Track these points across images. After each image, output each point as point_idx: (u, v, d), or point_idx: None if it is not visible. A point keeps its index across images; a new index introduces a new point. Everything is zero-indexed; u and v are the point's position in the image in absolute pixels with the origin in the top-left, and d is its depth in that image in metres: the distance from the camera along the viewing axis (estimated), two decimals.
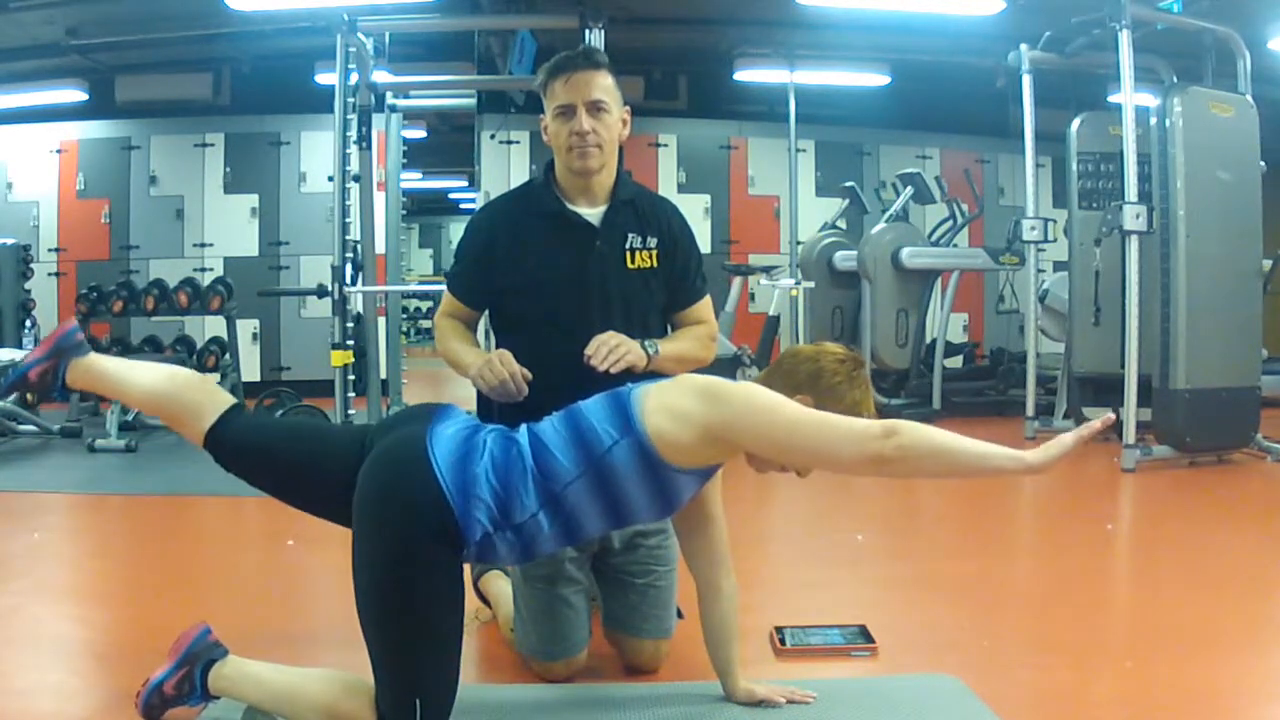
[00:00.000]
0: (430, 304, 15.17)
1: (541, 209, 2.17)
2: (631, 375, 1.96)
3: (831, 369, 1.76)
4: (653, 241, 2.18)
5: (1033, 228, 5.84)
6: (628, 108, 2.20)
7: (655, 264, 2.18)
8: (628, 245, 2.15)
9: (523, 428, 1.81)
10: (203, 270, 7.35)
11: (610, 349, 1.96)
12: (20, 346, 6.06)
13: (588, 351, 1.96)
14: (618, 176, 2.19)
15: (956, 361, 7.40)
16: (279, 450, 1.88)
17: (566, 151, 2.11)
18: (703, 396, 1.69)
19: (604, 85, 2.10)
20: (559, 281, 2.12)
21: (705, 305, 2.28)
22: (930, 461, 1.58)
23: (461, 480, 1.70)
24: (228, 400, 1.89)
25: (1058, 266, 6.68)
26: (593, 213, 2.16)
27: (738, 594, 1.98)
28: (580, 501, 1.72)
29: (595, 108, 2.09)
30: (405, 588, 1.69)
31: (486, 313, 2.27)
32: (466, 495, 1.69)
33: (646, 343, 2.05)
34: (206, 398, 1.88)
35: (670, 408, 1.71)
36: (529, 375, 1.99)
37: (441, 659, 1.74)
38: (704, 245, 7.91)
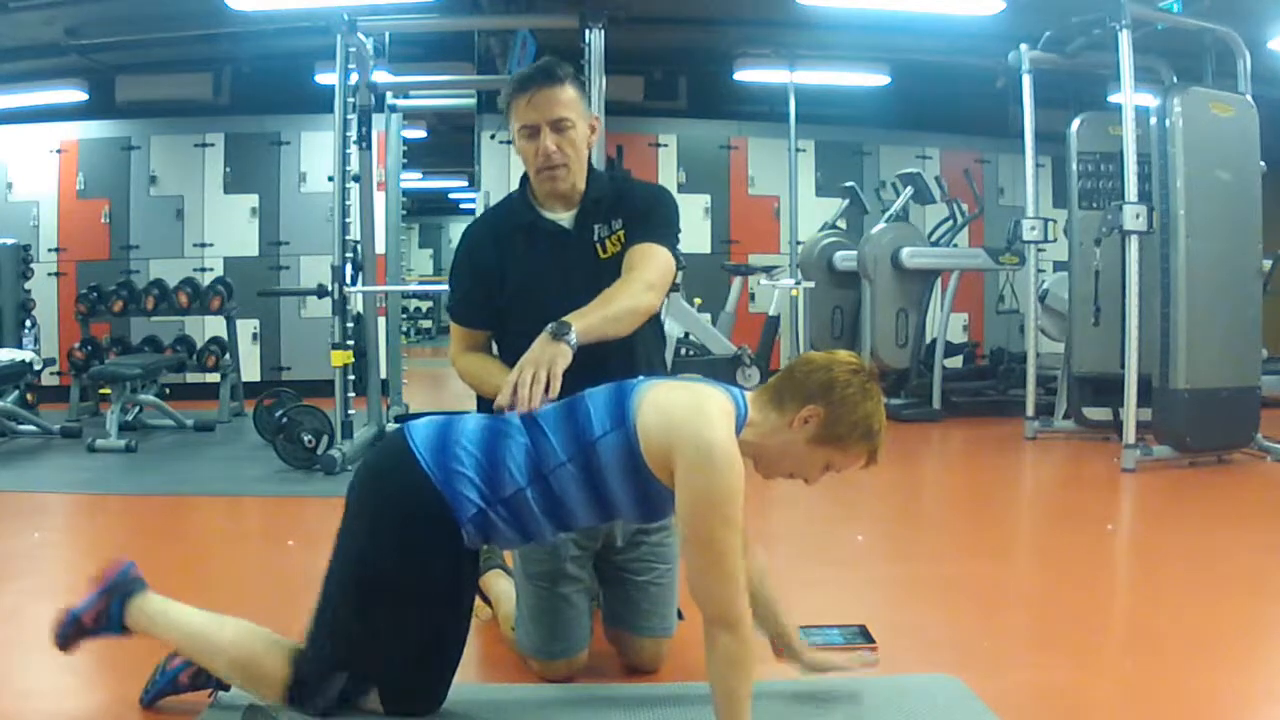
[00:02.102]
0: (430, 304, 15.21)
1: (518, 221, 2.19)
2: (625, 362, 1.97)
3: (844, 380, 1.72)
4: (618, 224, 2.16)
5: (1033, 228, 5.84)
6: (596, 116, 2.21)
7: (625, 244, 2.15)
8: (596, 237, 2.16)
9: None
10: (203, 270, 7.34)
11: (526, 385, 1.75)
12: (20, 346, 6.06)
13: (502, 405, 1.77)
14: (591, 177, 2.20)
15: (956, 361, 7.40)
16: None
17: (536, 172, 2.13)
18: (684, 433, 1.66)
19: (566, 101, 2.09)
20: (543, 290, 2.11)
21: (645, 250, 2.08)
22: (731, 673, 1.63)
23: (442, 458, 1.74)
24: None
25: (1058, 266, 6.68)
26: (566, 216, 2.18)
27: (766, 565, 2.01)
28: (567, 486, 1.74)
29: (558, 127, 2.09)
30: (392, 571, 1.73)
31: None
32: (448, 471, 1.73)
33: (552, 327, 1.83)
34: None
35: (662, 409, 1.71)
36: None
37: (400, 645, 1.76)
38: (704, 245, 7.97)
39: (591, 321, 1.91)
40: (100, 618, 1.87)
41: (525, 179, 2.23)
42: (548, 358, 1.79)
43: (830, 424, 1.72)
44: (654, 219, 2.18)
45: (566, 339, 1.82)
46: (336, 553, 1.80)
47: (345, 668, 1.75)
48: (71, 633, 1.88)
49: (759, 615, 1.97)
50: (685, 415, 1.68)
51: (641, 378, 1.82)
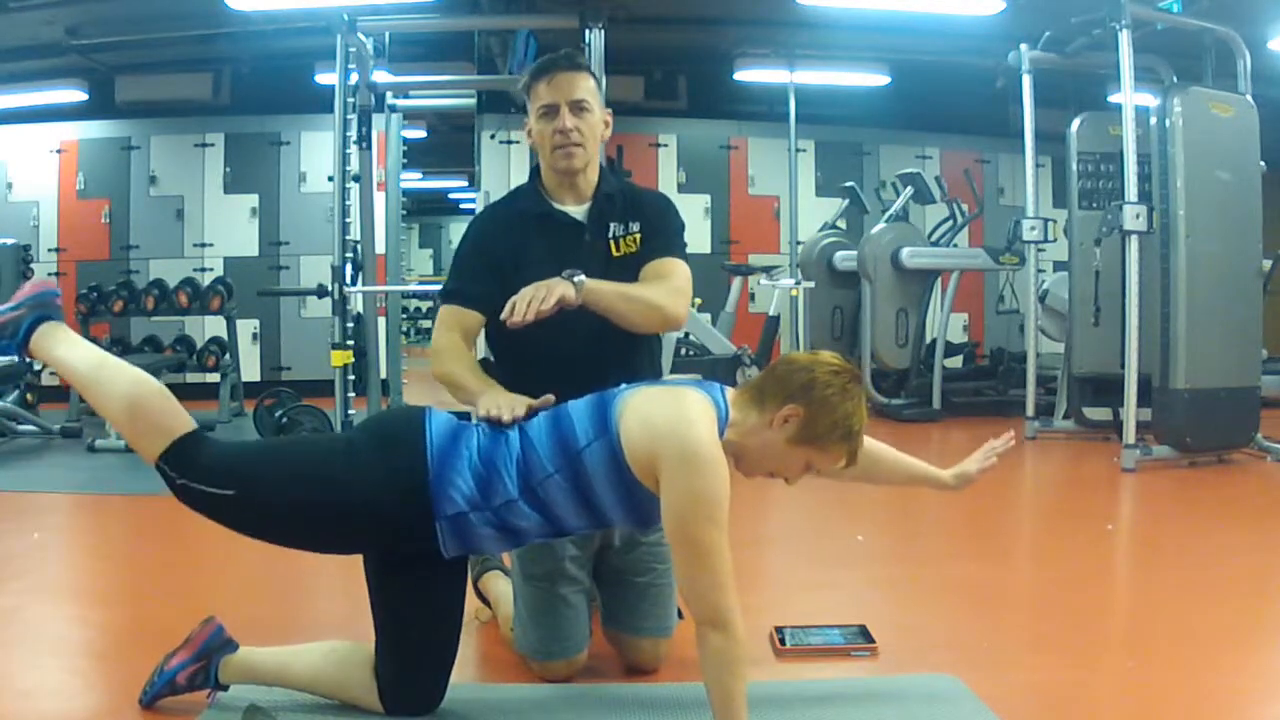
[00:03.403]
0: (430, 304, 15.21)
1: (530, 211, 2.20)
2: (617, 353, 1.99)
3: (825, 380, 1.72)
4: (635, 226, 2.18)
5: (1033, 228, 5.84)
6: (609, 110, 2.24)
7: (639, 248, 2.17)
8: (610, 235, 2.17)
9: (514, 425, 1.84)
10: (203, 270, 7.35)
11: (527, 300, 1.87)
12: None
13: (502, 316, 1.89)
14: (600, 173, 2.21)
15: (956, 361, 7.40)
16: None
17: (551, 151, 2.14)
18: (668, 438, 1.66)
19: (586, 86, 2.14)
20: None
21: (671, 264, 2.15)
22: (724, 673, 1.63)
23: (445, 454, 1.75)
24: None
25: (1058, 266, 6.68)
26: (578, 209, 2.19)
27: (873, 445, 2.02)
28: (557, 497, 1.74)
29: (578, 107, 2.12)
30: (338, 509, 1.75)
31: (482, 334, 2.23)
32: (445, 466, 1.74)
33: (566, 271, 1.95)
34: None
35: (643, 416, 1.71)
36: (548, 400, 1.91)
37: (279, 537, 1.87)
38: (704, 245, 7.97)
39: (605, 288, 1.98)
40: (5, 330, 1.84)
41: (534, 172, 2.24)
42: (551, 284, 1.89)
43: (809, 424, 1.71)
44: (669, 230, 2.21)
45: (574, 280, 1.92)
46: (322, 442, 1.83)
47: (236, 493, 1.77)
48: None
49: (904, 478, 2.13)
50: (667, 420, 1.68)
51: (623, 385, 1.82)
